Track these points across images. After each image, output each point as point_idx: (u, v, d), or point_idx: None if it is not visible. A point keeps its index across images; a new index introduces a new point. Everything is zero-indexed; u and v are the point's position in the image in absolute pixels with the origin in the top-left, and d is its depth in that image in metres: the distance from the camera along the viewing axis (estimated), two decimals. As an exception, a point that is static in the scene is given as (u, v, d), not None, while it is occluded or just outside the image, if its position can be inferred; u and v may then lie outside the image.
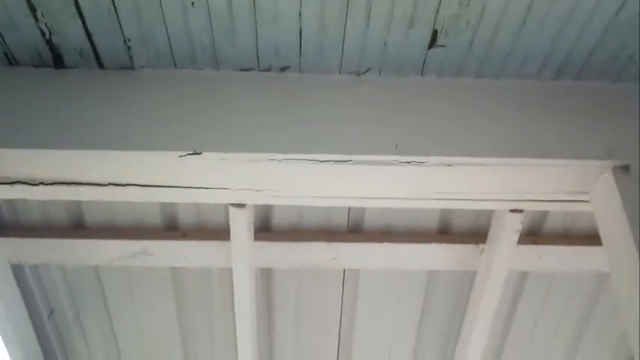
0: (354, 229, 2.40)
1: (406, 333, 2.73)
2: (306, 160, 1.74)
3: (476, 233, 2.37)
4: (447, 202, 1.94)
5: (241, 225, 2.08)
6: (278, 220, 2.36)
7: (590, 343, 2.78)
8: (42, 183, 1.84)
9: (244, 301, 2.32)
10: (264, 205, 2.28)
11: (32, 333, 2.61)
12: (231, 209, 2.03)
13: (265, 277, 2.52)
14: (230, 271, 2.40)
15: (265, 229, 2.38)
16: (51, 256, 2.35)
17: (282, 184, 1.86)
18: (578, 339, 2.77)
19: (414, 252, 2.37)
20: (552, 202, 1.95)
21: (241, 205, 2.02)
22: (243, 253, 2.18)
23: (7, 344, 2.53)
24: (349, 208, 2.32)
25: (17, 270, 2.42)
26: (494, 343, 2.75)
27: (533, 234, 2.36)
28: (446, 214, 2.34)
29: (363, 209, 2.32)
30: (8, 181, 1.83)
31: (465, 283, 2.52)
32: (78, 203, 2.27)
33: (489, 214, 2.27)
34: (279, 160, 1.74)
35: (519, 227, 2.11)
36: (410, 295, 2.58)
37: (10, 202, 2.26)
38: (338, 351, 2.82)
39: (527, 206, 1.98)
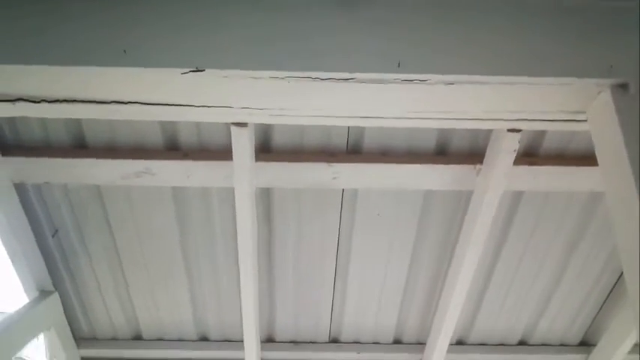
0: (354, 150, 2.45)
1: (402, 251, 2.85)
2: (308, 78, 1.76)
3: (473, 154, 2.43)
4: (446, 121, 1.98)
5: (243, 144, 2.13)
6: (278, 140, 2.41)
7: (580, 260, 2.92)
8: (44, 100, 1.86)
9: (245, 220, 2.41)
10: (265, 126, 2.33)
11: (37, 251, 2.71)
12: (233, 128, 2.07)
13: (265, 196, 2.59)
14: (231, 191, 2.48)
15: (265, 150, 2.43)
16: (53, 175, 2.40)
17: (283, 102, 1.89)
18: (568, 256, 2.90)
19: (411, 172, 2.43)
20: (550, 122, 1.99)
21: (243, 124, 2.05)
22: (244, 172, 2.24)
23: (14, 263, 2.63)
24: (349, 128, 2.36)
25: (20, 189, 2.48)
26: (487, 261, 2.88)
27: (530, 155, 2.43)
28: (444, 134, 2.40)
29: (362, 130, 2.37)
30: (10, 98, 1.85)
31: (461, 203, 2.61)
32: (79, 123, 2.31)
33: (487, 134, 2.32)
34: (281, 78, 1.76)
35: (516, 147, 2.16)
36: (406, 215, 2.68)
37: (12, 122, 2.29)
38: (336, 268, 2.94)
39: (524, 125, 2.02)
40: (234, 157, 2.18)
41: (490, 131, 2.29)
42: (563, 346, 3.32)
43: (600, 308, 3.19)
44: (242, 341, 3.07)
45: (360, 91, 1.81)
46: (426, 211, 2.66)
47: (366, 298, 3.10)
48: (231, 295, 3.03)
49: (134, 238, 2.77)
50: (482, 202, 2.37)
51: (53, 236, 2.72)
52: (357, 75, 1.76)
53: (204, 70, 1.73)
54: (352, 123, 2.07)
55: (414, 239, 2.79)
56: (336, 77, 1.77)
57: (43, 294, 2.81)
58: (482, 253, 2.62)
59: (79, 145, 2.39)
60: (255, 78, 1.77)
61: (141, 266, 2.90)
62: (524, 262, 2.92)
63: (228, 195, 2.54)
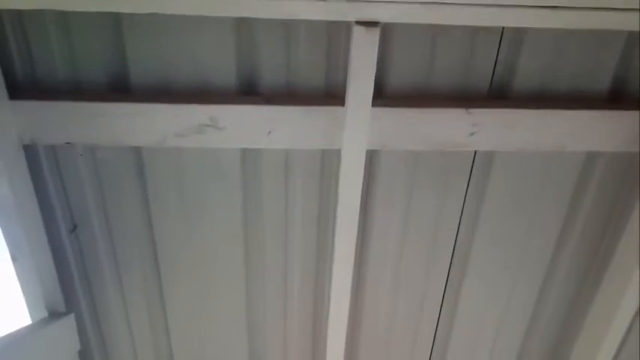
0: (498, 94, 1.82)
1: (543, 240, 2.18)
2: None
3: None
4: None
5: (367, 58, 1.49)
6: (396, 79, 1.78)
7: None
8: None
9: (351, 203, 1.74)
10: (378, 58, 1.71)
11: (49, 253, 2.00)
12: (357, 30, 1.43)
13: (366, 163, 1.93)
14: (322, 157, 1.85)
15: (377, 94, 1.80)
16: (79, 129, 1.73)
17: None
18: None
19: (572, 124, 1.80)
20: None
21: (373, 24, 1.42)
22: (363, 112, 1.59)
23: (17, 265, 1.93)
24: (495, 61, 1.75)
25: (30, 155, 1.81)
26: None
27: None
28: (621, 71, 1.78)
29: (515, 62, 1.75)
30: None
31: (630, 172, 1.98)
32: (122, 51, 1.67)
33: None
34: None
35: None
36: (556, 189, 2.02)
37: (28, 53, 1.66)
38: (446, 283, 2.25)
39: None
40: (349, 78, 1.53)
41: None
42: None
43: None
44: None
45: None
46: (583, 180, 2.01)
47: (480, 326, 2.39)
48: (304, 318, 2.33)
49: (178, 237, 2.08)
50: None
51: (71, 232, 2.02)
52: None
53: None
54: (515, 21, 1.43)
55: (561, 223, 2.12)
56: None
57: (53, 317, 2.08)
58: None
59: (119, 87, 1.74)
60: None
61: (184, 285, 2.19)
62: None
63: (317, 164, 1.90)
